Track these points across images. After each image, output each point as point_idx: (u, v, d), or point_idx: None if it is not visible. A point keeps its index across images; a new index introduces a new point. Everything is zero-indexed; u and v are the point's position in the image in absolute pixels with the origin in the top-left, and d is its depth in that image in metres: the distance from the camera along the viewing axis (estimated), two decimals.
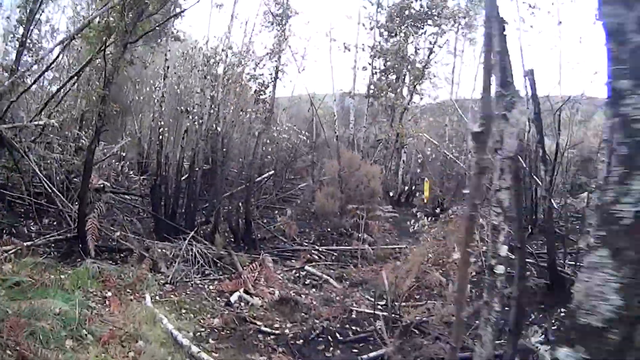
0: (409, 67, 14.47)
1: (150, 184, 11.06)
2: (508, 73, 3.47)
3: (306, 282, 8.46)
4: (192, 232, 9.04)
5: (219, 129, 11.52)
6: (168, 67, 10.60)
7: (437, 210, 14.80)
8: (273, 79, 12.15)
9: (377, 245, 10.76)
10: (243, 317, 6.40)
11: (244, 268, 8.14)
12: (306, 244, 10.75)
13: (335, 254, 10.33)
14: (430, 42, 14.46)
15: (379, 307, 7.37)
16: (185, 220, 10.31)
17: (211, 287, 7.62)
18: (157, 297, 6.82)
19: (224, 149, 11.65)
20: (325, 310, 6.92)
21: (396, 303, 6.87)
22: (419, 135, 15.45)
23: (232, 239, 10.41)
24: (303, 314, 6.88)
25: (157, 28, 10.19)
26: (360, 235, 10.85)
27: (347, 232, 11.31)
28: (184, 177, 11.37)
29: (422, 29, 14.98)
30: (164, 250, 8.37)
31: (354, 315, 7.03)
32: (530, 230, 11.45)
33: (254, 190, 11.37)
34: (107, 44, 8.24)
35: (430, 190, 15.27)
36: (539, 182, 12.89)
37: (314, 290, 8.10)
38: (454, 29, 14.52)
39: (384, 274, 6.95)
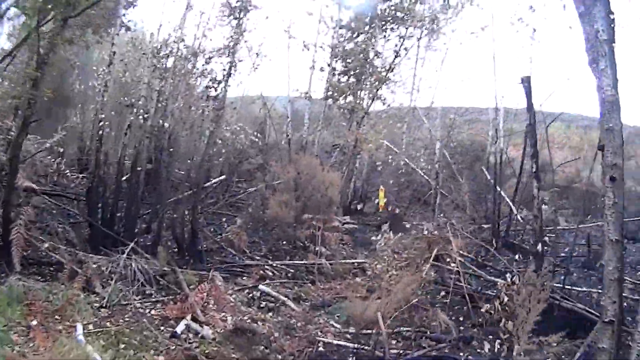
0: (371, 69, 13.80)
1: (87, 185, 9.90)
2: None
3: (261, 305, 7.53)
4: (132, 243, 7.95)
5: (165, 124, 10.51)
6: (115, 53, 9.42)
7: (388, 222, 14.42)
8: (226, 76, 11.25)
9: (335, 260, 10.04)
10: (193, 355, 5.45)
11: (191, 288, 7.18)
12: (258, 258, 9.83)
13: (290, 269, 9.47)
14: (396, 45, 13.82)
15: (348, 336, 6.68)
16: (124, 228, 9.19)
17: (154, 311, 6.59)
18: (91, 326, 5.78)
19: (170, 148, 10.63)
20: (288, 342, 6.12)
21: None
22: (380, 142, 14.88)
23: (176, 250, 9.42)
24: (263, 347, 6.02)
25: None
26: (316, 248, 10.12)
27: (303, 245, 10.50)
28: (125, 178, 10.28)
29: (390, 30, 14.45)
30: (99, 265, 7.28)
31: (321, 348, 6.25)
32: (494, 244, 11.00)
33: (201, 196, 10.41)
34: (46, 19, 7.15)
35: (385, 198, 14.71)
36: (503, 195, 12.62)
37: (270, 314, 7.21)
38: (419, 34, 13.94)
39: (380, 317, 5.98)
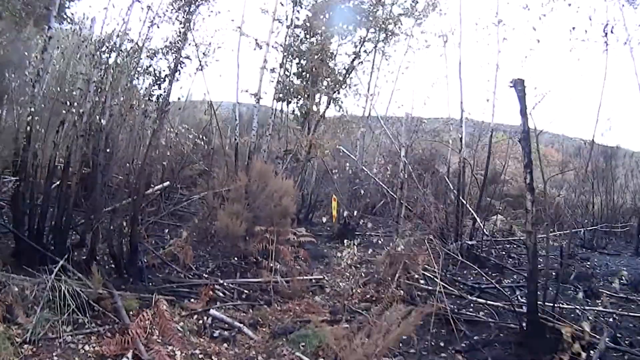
0: (327, 71, 13.06)
1: (12, 191, 8.65)
2: None
3: (214, 334, 6.54)
4: (62, 261, 6.86)
5: (103, 122, 9.42)
6: (50, 38, 8.22)
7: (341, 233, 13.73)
8: (171, 73, 10.27)
9: (291, 277, 9.23)
10: None
11: (132, 316, 6.20)
12: (206, 276, 8.83)
13: (243, 289, 8.58)
14: (356, 46, 13.14)
15: None
16: (54, 241, 8.06)
17: (87, 347, 5.51)
18: None
19: (108, 150, 9.54)
20: None
21: None
22: (336, 147, 14.17)
23: (114, 267, 8.35)
24: None
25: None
26: (270, 263, 9.26)
27: (255, 260, 9.62)
28: (56, 183, 9.10)
29: (351, 31, 13.86)
30: (23, 288, 6.16)
31: None
32: (459, 256, 10.44)
33: (142, 205, 9.33)
34: None
35: (337, 208, 14.02)
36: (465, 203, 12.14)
37: (226, 346, 6.25)
38: (378, 37, 13.25)
39: None
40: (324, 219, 15.33)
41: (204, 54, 11.48)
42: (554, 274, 10.22)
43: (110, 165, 9.70)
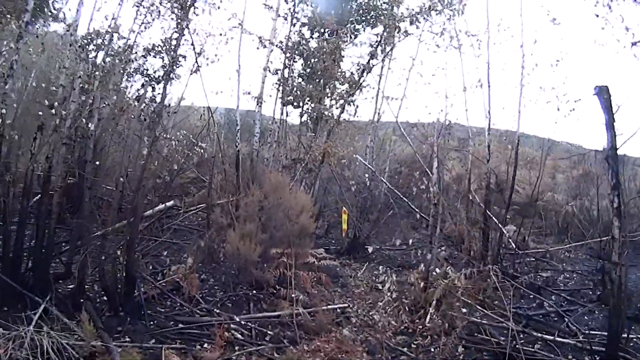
0: (340, 72, 11.73)
1: None
2: None
3: None
4: (44, 303, 5.44)
5: (91, 126, 8.10)
6: (27, 23, 6.72)
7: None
8: (166, 73, 8.97)
9: (314, 307, 7.89)
10: None
11: None
12: (217, 311, 7.40)
13: (262, 326, 7.20)
14: (372, 45, 11.84)
15: None
16: (34, 272, 6.61)
17: None
18: None
19: (97, 161, 8.17)
20: None
21: None
22: (352, 155, 12.84)
23: (106, 302, 6.94)
24: None
25: None
26: (290, 292, 7.91)
27: (273, 289, 8.26)
28: (33, 200, 7.68)
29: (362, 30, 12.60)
30: None
31: None
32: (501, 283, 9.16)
33: (140, 228, 7.90)
34: None
35: (348, 222, 12.68)
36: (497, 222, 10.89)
37: None
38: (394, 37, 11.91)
39: None
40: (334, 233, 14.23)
41: (199, 53, 10.18)
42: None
43: (101, 179, 8.35)
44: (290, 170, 11.91)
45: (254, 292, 8.16)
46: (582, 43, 12.40)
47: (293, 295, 7.78)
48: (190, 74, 10.32)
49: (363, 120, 14.53)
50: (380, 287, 9.60)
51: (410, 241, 13.13)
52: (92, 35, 8.58)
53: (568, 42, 15.35)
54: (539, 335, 7.26)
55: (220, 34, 9.94)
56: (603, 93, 5.70)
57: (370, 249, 12.22)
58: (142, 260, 8.70)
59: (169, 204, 10.01)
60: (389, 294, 8.81)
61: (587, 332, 7.41)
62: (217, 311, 7.38)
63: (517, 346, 6.50)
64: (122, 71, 8.68)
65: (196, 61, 10.05)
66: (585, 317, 8.52)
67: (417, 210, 12.43)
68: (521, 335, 7.04)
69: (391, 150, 15.82)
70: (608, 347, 6.23)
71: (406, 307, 8.27)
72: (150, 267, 8.86)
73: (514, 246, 10.84)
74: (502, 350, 6.61)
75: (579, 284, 11.05)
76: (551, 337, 7.12)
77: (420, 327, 7.68)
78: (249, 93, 12.15)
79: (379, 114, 13.90)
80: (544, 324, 7.96)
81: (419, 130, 12.54)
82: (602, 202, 16.19)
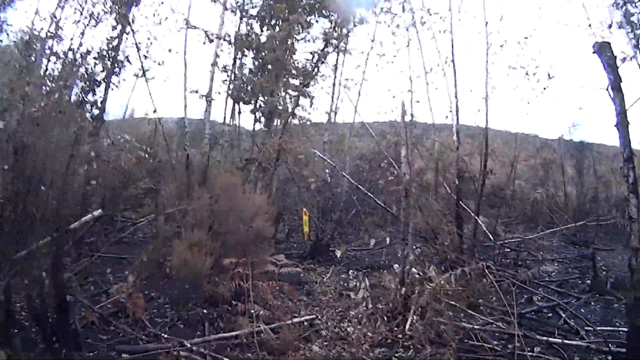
0: (293, 64, 10.87)
1: None
2: None
3: None
4: None
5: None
6: None
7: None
8: (108, 75, 8.07)
9: (278, 322, 6.96)
10: None
11: None
12: (165, 336, 6.36)
13: (216, 351, 6.13)
14: (326, 33, 11.01)
15: None
16: None
17: None
18: None
19: (25, 169, 7.04)
20: None
21: None
22: (311, 151, 11.90)
23: (39, 329, 5.81)
24: None
25: None
26: (249, 307, 6.96)
27: (229, 305, 7.27)
28: None
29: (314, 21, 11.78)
30: None
31: None
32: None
33: (69, 242, 6.79)
34: None
35: (309, 224, 11.80)
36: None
37: None
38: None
39: None
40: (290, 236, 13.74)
41: (145, 56, 9.38)
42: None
43: (30, 191, 7.19)
44: (243, 171, 10.96)
45: (208, 309, 7.19)
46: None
47: (252, 311, 6.84)
48: (137, 78, 9.68)
49: (319, 121, 13.76)
50: (352, 295, 8.76)
51: (372, 242, 12.39)
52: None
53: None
54: (543, 338, 6.51)
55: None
56: (604, 50, 4.98)
57: (338, 254, 11.33)
58: (85, 280, 7.68)
59: (95, 213, 8.84)
60: (363, 302, 7.96)
61: (591, 328, 6.78)
62: (166, 336, 6.35)
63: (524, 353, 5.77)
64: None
65: (141, 65, 9.38)
66: (582, 310, 7.94)
67: (383, 205, 11.59)
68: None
69: (349, 147, 14.96)
70: (631, 348, 5.43)
71: (383, 316, 7.40)
72: (93, 288, 7.81)
73: (491, 237, 10.17)
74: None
75: (564, 273, 10.49)
76: (559, 340, 6.38)
77: (400, 336, 6.82)
78: (196, 91, 11.24)
79: (336, 106, 13.10)
80: (538, 322, 7.28)
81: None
82: (567, 188, 15.98)
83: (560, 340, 6.44)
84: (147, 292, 7.58)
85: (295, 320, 7.22)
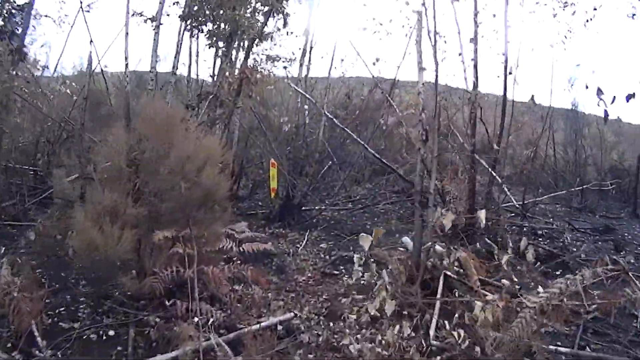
0: None
1: None
2: None
3: None
4: None
5: None
6: None
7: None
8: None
9: (242, 327, 4.51)
10: None
11: None
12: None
13: None
14: None
15: None
16: None
17: None
18: None
19: None
20: None
21: None
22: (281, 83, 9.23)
23: None
24: None
25: None
26: (194, 307, 4.42)
27: (161, 304, 4.70)
28: None
29: None
30: None
31: None
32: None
33: None
34: None
35: (278, 178, 9.29)
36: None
37: None
38: None
39: None
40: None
41: None
42: None
43: None
44: (196, 109, 8.29)
45: (133, 311, 4.62)
46: None
47: (197, 317, 4.30)
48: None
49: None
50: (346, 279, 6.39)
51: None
52: None
53: None
54: None
55: None
56: None
57: (366, 243, 9.08)
58: None
59: None
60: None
61: None
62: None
63: None
64: None
65: None
66: None
67: (377, 156, 9.05)
68: None
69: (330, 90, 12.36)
70: None
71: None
72: None
73: (515, 203, 7.94)
74: None
75: (595, 250, 8.39)
76: None
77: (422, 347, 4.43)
78: (140, 14, 8.55)
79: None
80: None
81: None
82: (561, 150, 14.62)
83: None
84: (44, 286, 4.93)
85: (263, 322, 4.73)
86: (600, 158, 14.25)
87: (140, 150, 4.86)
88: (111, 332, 4.41)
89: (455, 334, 4.28)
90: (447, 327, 4.45)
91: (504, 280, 5.08)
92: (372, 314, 4.79)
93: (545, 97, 20.83)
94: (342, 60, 11.33)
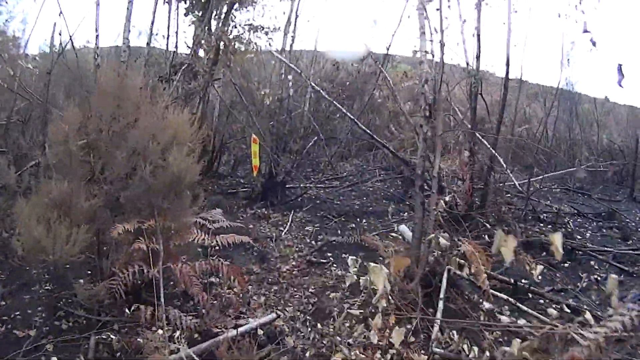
0: None
1: None
2: None
3: None
4: None
5: None
6: None
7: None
8: None
9: (215, 334, 3.89)
10: None
11: None
12: None
13: None
14: None
15: None
16: None
17: None
18: None
19: None
20: None
21: None
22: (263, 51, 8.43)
23: None
24: None
25: None
26: (160, 313, 3.78)
27: (122, 311, 4.06)
28: None
29: None
30: None
31: None
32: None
33: None
34: None
35: (260, 154, 8.63)
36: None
37: None
38: None
39: None
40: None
41: None
42: None
43: None
44: (168, 82, 7.52)
45: (94, 316, 3.99)
46: None
47: (164, 325, 3.67)
48: None
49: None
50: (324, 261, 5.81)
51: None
52: None
53: None
54: None
55: None
56: None
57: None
58: None
59: None
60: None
61: None
62: None
63: None
64: None
65: None
66: None
67: (369, 132, 8.36)
68: None
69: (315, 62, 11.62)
70: None
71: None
72: None
73: (518, 186, 7.38)
74: None
75: (600, 237, 7.89)
76: None
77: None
78: None
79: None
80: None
81: None
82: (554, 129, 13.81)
83: None
84: None
85: (241, 327, 4.11)
86: (595, 138, 13.97)
87: (95, 129, 4.14)
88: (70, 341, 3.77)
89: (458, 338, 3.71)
90: (451, 332, 3.86)
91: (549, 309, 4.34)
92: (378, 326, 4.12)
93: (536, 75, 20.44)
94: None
